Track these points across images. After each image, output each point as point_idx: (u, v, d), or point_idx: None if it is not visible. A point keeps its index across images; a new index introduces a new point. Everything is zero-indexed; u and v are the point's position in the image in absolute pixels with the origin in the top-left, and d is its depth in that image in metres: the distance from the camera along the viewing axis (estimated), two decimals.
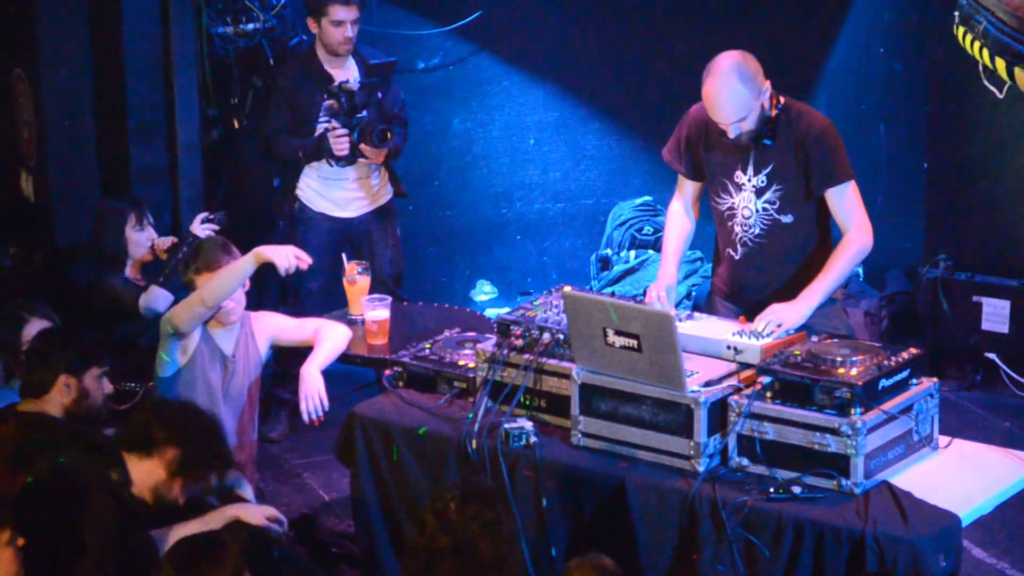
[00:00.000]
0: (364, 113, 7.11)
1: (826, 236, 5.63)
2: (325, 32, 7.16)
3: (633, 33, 8.76)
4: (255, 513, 5.00)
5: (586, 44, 8.75)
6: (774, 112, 5.48)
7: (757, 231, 5.62)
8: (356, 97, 7.10)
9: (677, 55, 8.52)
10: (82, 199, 7.52)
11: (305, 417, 5.83)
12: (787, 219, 5.58)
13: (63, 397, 5.18)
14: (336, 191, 7.29)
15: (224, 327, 5.85)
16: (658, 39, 8.71)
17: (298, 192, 7.32)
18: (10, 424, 4.83)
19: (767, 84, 5.44)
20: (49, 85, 7.60)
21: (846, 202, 5.50)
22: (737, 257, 5.68)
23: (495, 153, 8.73)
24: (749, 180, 5.57)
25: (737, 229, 5.64)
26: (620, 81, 8.83)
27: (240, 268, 5.65)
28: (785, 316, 5.25)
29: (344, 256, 6.65)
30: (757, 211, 5.59)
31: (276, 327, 6.09)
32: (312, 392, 5.81)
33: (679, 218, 5.83)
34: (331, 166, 7.18)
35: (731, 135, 5.46)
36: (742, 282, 5.70)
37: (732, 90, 5.36)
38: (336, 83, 7.14)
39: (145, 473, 4.76)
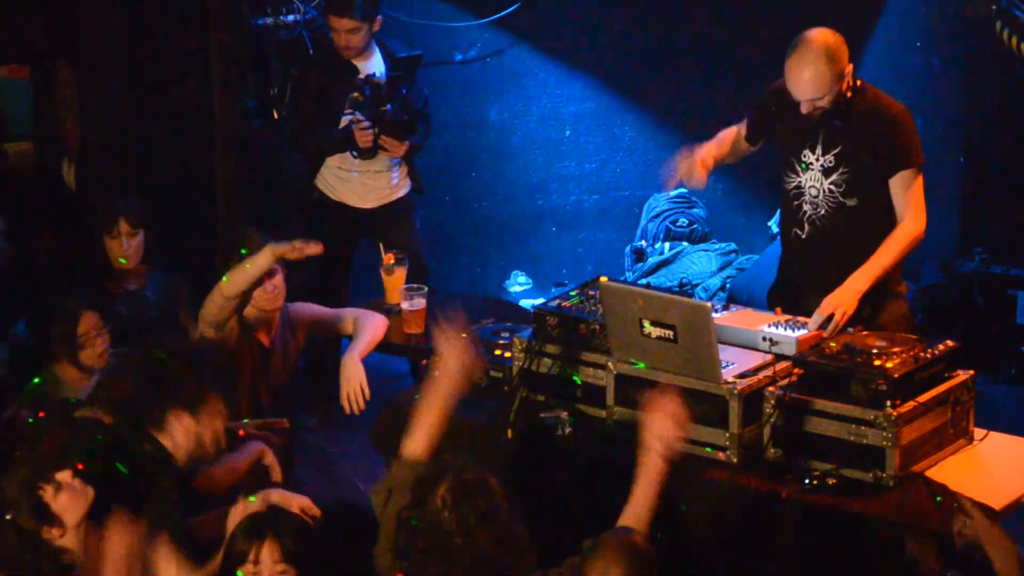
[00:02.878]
0: (388, 106, 7.11)
1: (892, 224, 5.60)
2: (333, 35, 7.20)
3: (670, 25, 8.78)
4: (293, 503, 5.04)
5: (623, 36, 8.77)
6: (849, 94, 5.48)
7: (823, 212, 5.62)
8: (381, 90, 7.11)
9: (714, 48, 8.53)
10: (123, 188, 7.56)
11: (346, 407, 5.87)
12: (852, 202, 5.57)
13: None
14: (355, 182, 7.31)
15: (263, 315, 5.89)
16: (695, 31, 8.72)
17: (317, 182, 7.34)
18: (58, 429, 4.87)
19: (850, 67, 5.44)
20: (91, 75, 7.64)
21: (908, 190, 5.50)
22: (804, 236, 5.68)
23: (531, 145, 8.76)
24: (817, 159, 5.58)
25: (806, 207, 5.64)
26: (656, 73, 8.85)
27: (254, 263, 5.71)
28: (840, 303, 5.24)
29: (381, 246, 6.69)
30: (824, 191, 5.59)
31: (314, 317, 6.13)
32: (353, 382, 5.85)
33: (733, 132, 5.86)
34: (353, 157, 7.20)
35: (804, 110, 5.45)
36: (809, 263, 5.68)
37: (816, 68, 5.36)
38: (362, 75, 7.15)
39: (182, 435, 4.80)
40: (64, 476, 4.26)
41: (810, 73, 5.37)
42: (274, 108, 7.74)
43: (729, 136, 5.87)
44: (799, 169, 5.63)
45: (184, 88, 7.66)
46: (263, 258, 5.72)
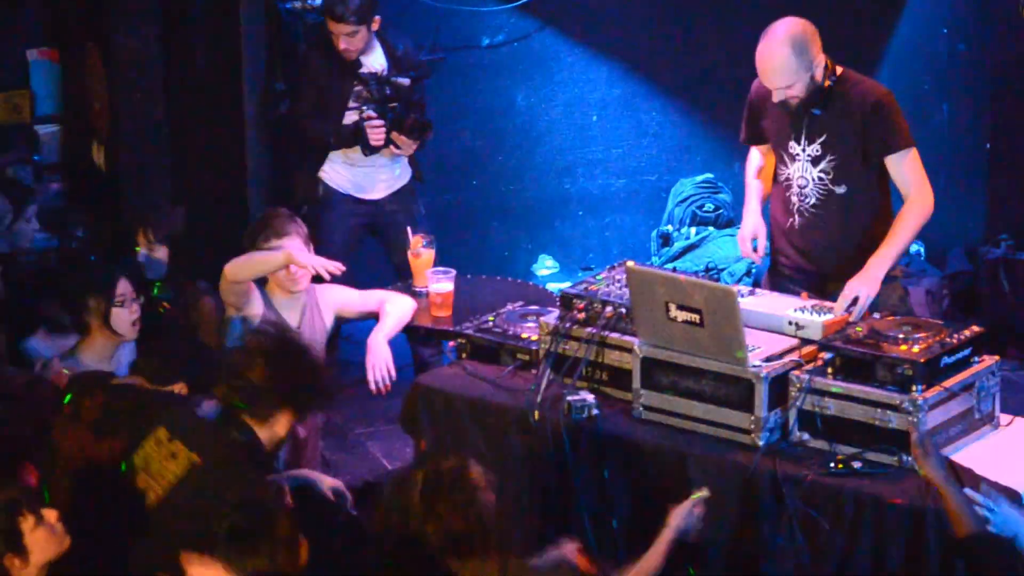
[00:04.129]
0: (397, 104, 7.03)
1: (884, 207, 5.66)
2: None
3: (697, 10, 8.78)
4: (325, 483, 5.08)
5: (650, 21, 8.77)
6: (827, 83, 5.50)
7: (812, 201, 5.66)
8: (386, 87, 7.05)
9: (741, 32, 8.50)
10: (152, 171, 7.61)
11: (372, 386, 5.92)
12: (841, 189, 5.61)
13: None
14: (360, 175, 7.24)
15: (290, 296, 5.93)
16: (722, 16, 8.71)
17: (322, 175, 7.27)
18: (97, 393, 4.91)
19: (822, 56, 5.47)
20: (121, 58, 7.68)
21: (906, 168, 5.53)
22: (796, 228, 5.73)
23: (558, 129, 8.77)
24: (804, 150, 5.62)
25: (794, 199, 5.70)
26: (683, 58, 8.85)
27: (266, 260, 5.74)
28: (862, 287, 5.26)
29: (409, 230, 6.71)
30: (813, 180, 5.63)
31: (341, 299, 6.17)
32: (380, 362, 5.91)
33: (757, 160, 5.90)
34: (366, 155, 7.13)
35: (775, 99, 5.51)
36: (801, 252, 5.74)
37: (781, 57, 5.42)
38: (365, 70, 7.08)
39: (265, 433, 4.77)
40: (49, 514, 4.19)
41: (777, 62, 5.43)
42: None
43: (755, 178, 5.91)
44: (788, 161, 5.67)
45: (213, 70, 7.69)
46: (276, 260, 5.74)
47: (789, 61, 5.41)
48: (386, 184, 7.28)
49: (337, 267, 5.85)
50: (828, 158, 5.59)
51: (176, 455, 4.53)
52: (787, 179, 5.71)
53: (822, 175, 5.61)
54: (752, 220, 5.82)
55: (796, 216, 5.72)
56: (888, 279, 5.49)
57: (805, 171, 5.63)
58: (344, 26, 6.98)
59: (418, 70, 7.20)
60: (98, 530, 4.53)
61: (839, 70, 5.55)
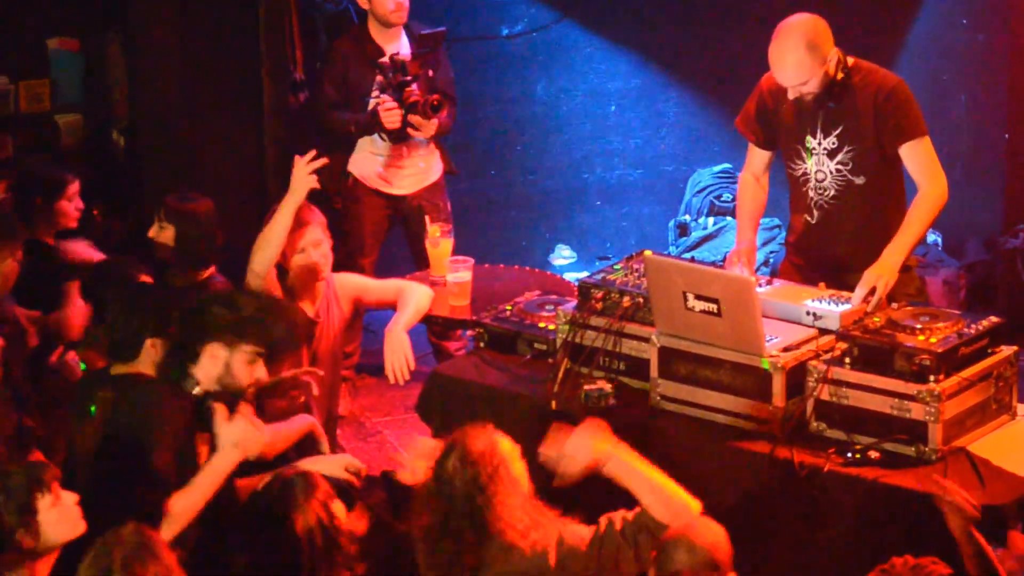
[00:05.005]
0: (414, 87, 7.04)
1: (900, 197, 5.66)
2: (376, 1, 7.17)
3: (715, 1, 8.78)
4: (332, 465, 5.10)
5: (669, 11, 8.77)
6: (840, 76, 5.50)
7: (832, 193, 5.66)
8: (405, 69, 7.06)
9: (760, 23, 8.50)
10: (172, 160, 7.62)
11: (391, 376, 5.92)
12: (860, 180, 5.61)
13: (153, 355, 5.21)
14: (388, 168, 7.27)
15: (310, 284, 5.94)
16: (740, 7, 8.71)
17: (351, 168, 7.31)
18: (107, 388, 4.93)
19: (834, 50, 5.46)
20: (141, 48, 7.69)
21: (920, 157, 5.53)
22: (813, 221, 5.73)
23: (577, 119, 8.78)
24: (820, 143, 5.62)
25: (812, 194, 5.69)
26: (702, 49, 8.85)
27: (276, 228, 5.73)
28: (879, 277, 5.26)
29: (427, 219, 6.73)
30: (831, 173, 5.63)
31: (359, 288, 6.18)
32: (398, 351, 5.90)
33: (751, 187, 5.89)
34: (383, 140, 7.16)
35: (790, 96, 5.50)
36: (820, 246, 5.74)
37: (796, 55, 5.40)
38: (387, 57, 7.10)
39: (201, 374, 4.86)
40: (68, 497, 4.18)
41: (792, 60, 5.41)
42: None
43: (750, 205, 5.86)
44: (804, 155, 5.66)
45: (233, 60, 7.70)
46: (284, 217, 5.74)
47: (803, 58, 5.41)
48: (414, 179, 7.29)
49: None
50: (845, 149, 5.59)
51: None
52: (803, 174, 5.70)
53: (840, 167, 5.61)
54: (744, 247, 5.72)
55: (815, 211, 5.71)
56: (904, 268, 5.50)
57: (822, 164, 5.63)
58: None
59: (419, 43, 7.19)
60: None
61: (851, 61, 5.55)
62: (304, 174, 5.74)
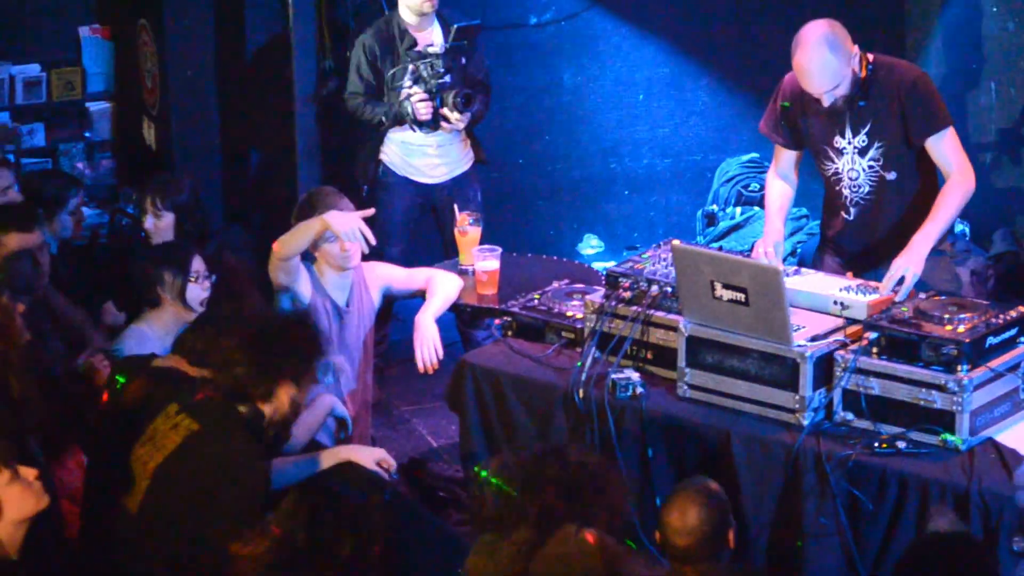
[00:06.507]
0: (448, 78, 7.01)
1: (934, 188, 5.66)
2: None
3: None
4: (366, 456, 5.11)
5: (697, 0, 8.77)
6: (864, 73, 5.51)
7: (866, 190, 5.67)
8: (440, 62, 7.02)
9: (787, 12, 8.51)
10: (203, 148, 7.66)
11: (420, 365, 5.94)
12: (891, 176, 5.63)
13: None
14: (418, 157, 7.24)
15: (338, 275, 5.95)
16: None
17: (382, 156, 7.28)
18: (141, 378, 4.96)
19: (855, 49, 5.47)
20: (172, 36, 7.73)
21: (946, 148, 5.54)
22: (851, 219, 5.74)
23: (605, 108, 8.78)
24: (849, 143, 5.63)
25: (846, 192, 5.71)
26: (730, 38, 8.84)
27: (307, 227, 5.72)
28: (907, 266, 5.26)
29: (456, 207, 6.74)
30: (863, 170, 5.64)
31: (388, 276, 6.19)
32: (427, 340, 5.92)
33: (779, 182, 5.91)
34: (414, 131, 7.17)
35: (826, 103, 5.52)
36: (859, 242, 5.75)
37: (823, 61, 5.41)
38: (420, 47, 7.07)
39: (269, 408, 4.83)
40: (27, 472, 4.06)
41: (818, 66, 5.42)
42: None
43: (779, 199, 5.87)
44: (834, 156, 5.67)
45: (263, 48, 7.73)
46: (315, 226, 5.73)
47: (830, 62, 5.41)
48: (444, 168, 7.27)
49: (369, 236, 5.81)
50: (875, 146, 5.59)
51: (178, 426, 4.66)
52: (835, 173, 5.71)
53: (872, 163, 5.62)
54: (772, 238, 5.72)
55: (851, 208, 5.72)
56: (937, 253, 5.50)
57: (854, 163, 5.64)
58: None
59: (455, 36, 7.18)
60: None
61: (870, 57, 5.56)
62: (350, 223, 5.74)
